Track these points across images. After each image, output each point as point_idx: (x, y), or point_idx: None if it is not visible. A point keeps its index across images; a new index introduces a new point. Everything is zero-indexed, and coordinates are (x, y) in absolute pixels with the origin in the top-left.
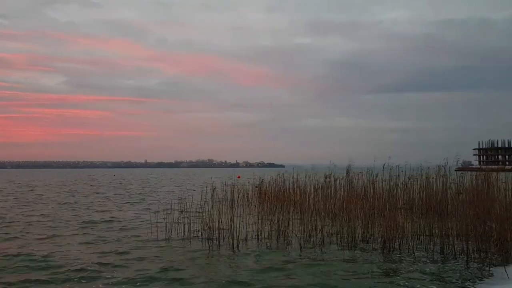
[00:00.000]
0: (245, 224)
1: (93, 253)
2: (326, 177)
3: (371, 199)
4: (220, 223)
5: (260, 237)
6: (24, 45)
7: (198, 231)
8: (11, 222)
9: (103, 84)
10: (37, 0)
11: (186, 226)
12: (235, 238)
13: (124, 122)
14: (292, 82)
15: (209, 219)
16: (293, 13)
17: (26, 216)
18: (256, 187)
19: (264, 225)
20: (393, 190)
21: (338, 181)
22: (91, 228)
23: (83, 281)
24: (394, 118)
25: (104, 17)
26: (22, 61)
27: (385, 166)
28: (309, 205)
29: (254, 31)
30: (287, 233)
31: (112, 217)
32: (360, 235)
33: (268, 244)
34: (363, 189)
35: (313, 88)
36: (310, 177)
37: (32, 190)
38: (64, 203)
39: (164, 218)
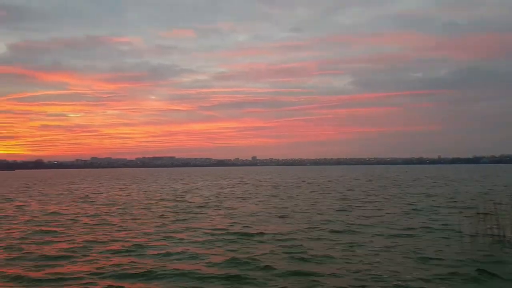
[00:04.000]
0: None
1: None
2: None
3: None
4: None
5: None
6: (315, 52)
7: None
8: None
9: (389, 79)
10: (324, 8)
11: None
12: None
13: (412, 116)
14: None
15: None
16: None
17: None
18: None
19: None
20: None
21: None
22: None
23: None
24: None
25: (386, 12)
26: (314, 67)
27: None
28: None
29: None
30: None
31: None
32: None
33: None
34: None
35: None
36: None
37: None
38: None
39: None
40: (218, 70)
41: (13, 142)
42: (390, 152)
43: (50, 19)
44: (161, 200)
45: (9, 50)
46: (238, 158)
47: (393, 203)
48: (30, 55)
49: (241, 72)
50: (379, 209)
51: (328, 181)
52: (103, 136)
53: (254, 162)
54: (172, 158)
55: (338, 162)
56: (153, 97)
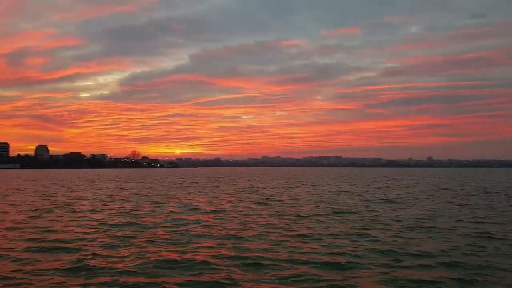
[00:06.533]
0: None
1: None
2: None
3: None
4: None
5: None
6: (503, 39)
7: None
8: None
9: None
10: None
11: None
12: None
13: None
14: None
15: None
16: None
17: None
18: None
19: None
20: None
21: None
22: None
23: None
24: None
25: None
26: (501, 56)
27: None
28: None
29: None
30: None
31: None
32: None
33: None
34: None
35: None
36: None
37: None
38: None
39: None
40: (387, 65)
41: (196, 142)
42: None
43: (223, 29)
44: None
45: (191, 60)
46: (411, 158)
47: None
48: (208, 63)
49: (413, 66)
50: None
51: None
52: (273, 136)
53: (430, 163)
54: (339, 157)
55: None
56: (318, 97)
